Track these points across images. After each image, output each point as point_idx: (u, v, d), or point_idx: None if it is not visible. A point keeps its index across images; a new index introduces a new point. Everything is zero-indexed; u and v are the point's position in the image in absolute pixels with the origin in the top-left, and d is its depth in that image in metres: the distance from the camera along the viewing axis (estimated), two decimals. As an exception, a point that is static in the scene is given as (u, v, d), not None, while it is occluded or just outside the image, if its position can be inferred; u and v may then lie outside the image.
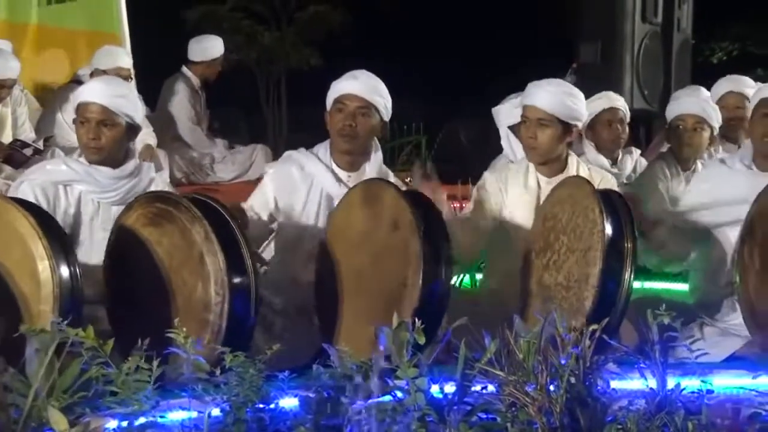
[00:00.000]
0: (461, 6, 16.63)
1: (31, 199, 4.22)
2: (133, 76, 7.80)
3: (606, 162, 6.16)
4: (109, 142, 4.41)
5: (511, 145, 5.79)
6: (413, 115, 11.61)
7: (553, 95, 4.85)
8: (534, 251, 4.42)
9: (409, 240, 4.00)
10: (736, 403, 3.44)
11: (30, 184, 4.41)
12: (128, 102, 4.48)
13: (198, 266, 3.80)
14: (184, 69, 8.69)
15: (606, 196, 4.20)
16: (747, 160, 4.82)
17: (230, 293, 3.75)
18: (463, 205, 5.94)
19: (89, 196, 4.44)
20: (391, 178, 4.83)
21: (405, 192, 4.33)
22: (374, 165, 4.85)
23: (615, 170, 6.17)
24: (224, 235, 3.83)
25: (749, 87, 6.25)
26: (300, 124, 13.48)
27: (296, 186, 4.78)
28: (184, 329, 3.16)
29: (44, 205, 4.26)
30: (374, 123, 4.78)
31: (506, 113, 6.01)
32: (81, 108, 4.43)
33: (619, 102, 6.43)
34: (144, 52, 8.62)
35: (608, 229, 4.04)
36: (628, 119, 6.44)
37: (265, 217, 4.77)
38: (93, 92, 4.46)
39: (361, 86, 4.75)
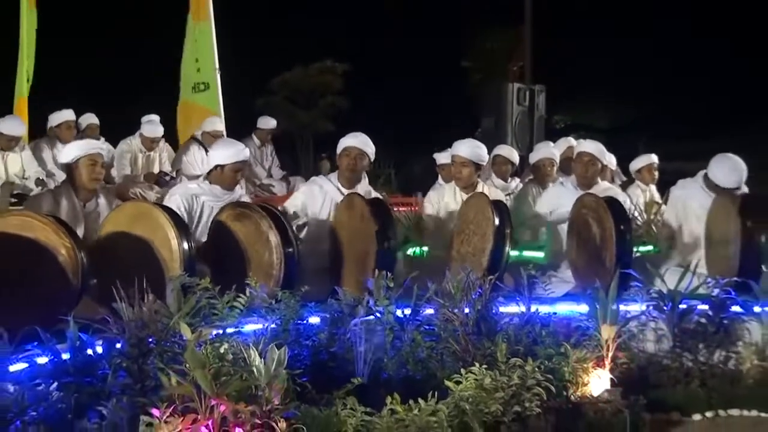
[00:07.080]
0: (414, 97, 16.89)
1: (178, 204, 4.19)
2: (224, 134, 7.75)
3: (502, 184, 6.15)
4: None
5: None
6: (387, 155, 11.67)
7: (469, 148, 5.00)
8: (455, 234, 4.44)
9: (369, 228, 4.01)
10: (569, 320, 3.47)
11: (178, 195, 4.33)
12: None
13: (266, 243, 3.78)
14: (253, 134, 8.60)
15: (495, 203, 4.23)
16: (574, 183, 5.01)
17: (285, 259, 3.75)
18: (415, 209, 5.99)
19: (208, 203, 4.34)
20: (374, 194, 4.80)
21: (368, 200, 4.31)
22: (363, 186, 4.82)
23: (509, 183, 6.23)
24: (280, 226, 3.83)
25: (574, 143, 6.35)
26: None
27: (317, 197, 4.73)
28: (255, 279, 3.22)
29: (185, 207, 4.21)
30: (365, 163, 4.78)
31: (440, 158, 6.28)
32: (240, 164, 4.38)
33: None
34: (230, 121, 8.53)
35: (496, 222, 4.07)
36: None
37: (298, 215, 4.67)
38: (243, 154, 4.41)
39: (358, 141, 4.74)
